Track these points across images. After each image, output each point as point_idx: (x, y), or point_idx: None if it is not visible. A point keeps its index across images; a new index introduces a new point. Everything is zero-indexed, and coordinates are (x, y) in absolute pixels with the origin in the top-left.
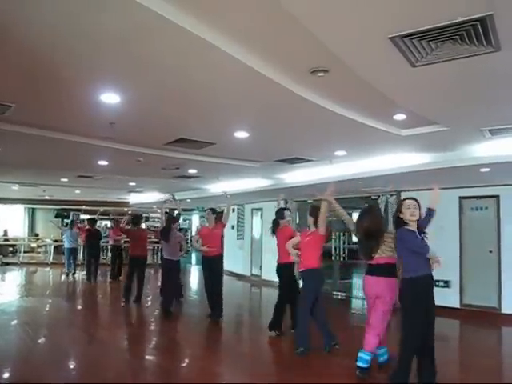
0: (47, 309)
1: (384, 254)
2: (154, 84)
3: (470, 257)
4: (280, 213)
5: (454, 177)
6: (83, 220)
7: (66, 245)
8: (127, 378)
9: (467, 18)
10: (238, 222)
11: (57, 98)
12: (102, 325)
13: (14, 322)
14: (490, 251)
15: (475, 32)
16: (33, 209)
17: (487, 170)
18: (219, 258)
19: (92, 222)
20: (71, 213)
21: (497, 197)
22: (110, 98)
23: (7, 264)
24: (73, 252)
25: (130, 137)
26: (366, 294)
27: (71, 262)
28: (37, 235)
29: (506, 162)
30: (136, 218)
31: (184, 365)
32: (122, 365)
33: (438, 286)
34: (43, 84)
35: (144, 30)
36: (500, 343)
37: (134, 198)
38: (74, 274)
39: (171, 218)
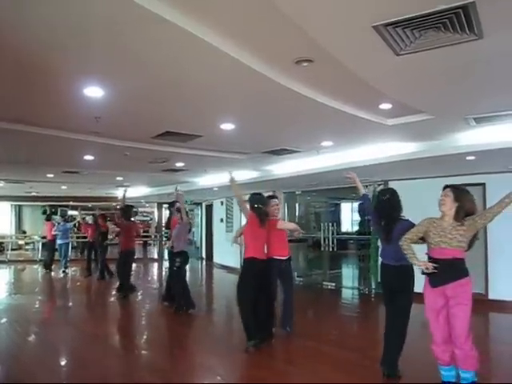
0: (36, 306)
1: None
2: (138, 77)
3: None
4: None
5: (439, 165)
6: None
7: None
8: (118, 374)
9: (450, 6)
10: (226, 214)
11: (40, 92)
12: (91, 320)
13: (3, 320)
14: (477, 238)
15: (458, 20)
16: (19, 206)
17: (473, 158)
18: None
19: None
20: (59, 209)
21: (483, 185)
22: (94, 91)
23: None
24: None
25: (115, 131)
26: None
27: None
28: (24, 232)
29: (491, 149)
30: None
31: (176, 358)
32: (112, 361)
33: (425, 273)
34: (26, 78)
35: (129, 23)
36: (487, 329)
37: (122, 193)
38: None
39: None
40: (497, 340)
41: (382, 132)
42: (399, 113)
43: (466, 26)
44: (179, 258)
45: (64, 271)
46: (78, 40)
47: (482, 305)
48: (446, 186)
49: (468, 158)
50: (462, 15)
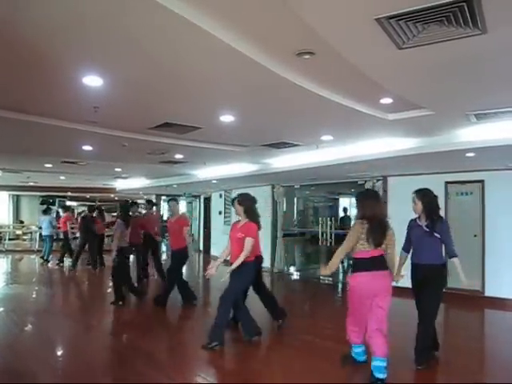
0: (33, 296)
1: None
2: (138, 67)
3: (455, 241)
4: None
5: (439, 162)
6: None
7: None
8: (114, 363)
9: None
10: (224, 207)
11: (39, 80)
12: (88, 311)
13: (0, 309)
14: (475, 235)
15: (462, 14)
16: (17, 195)
17: (472, 154)
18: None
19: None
20: (57, 199)
21: (482, 182)
22: (93, 80)
23: None
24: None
25: (114, 121)
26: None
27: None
28: (22, 222)
29: (490, 146)
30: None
31: (170, 349)
32: (108, 350)
33: None
34: (24, 66)
35: (129, 12)
36: (483, 325)
37: (121, 184)
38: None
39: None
40: (493, 337)
41: (382, 127)
42: (400, 108)
43: (469, 20)
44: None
45: (46, 260)
46: (78, 28)
47: (479, 302)
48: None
49: (468, 154)
50: (466, 9)
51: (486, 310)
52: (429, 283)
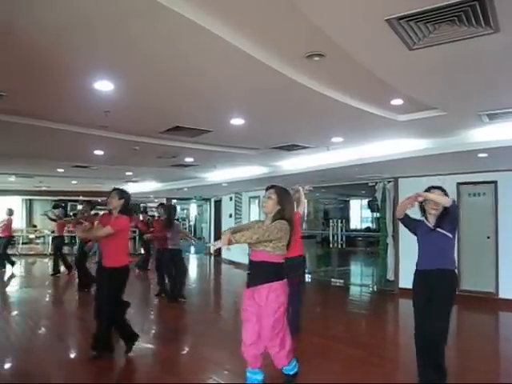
0: (47, 299)
1: None
2: (148, 71)
3: (467, 243)
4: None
5: (451, 162)
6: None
7: None
8: (126, 366)
9: None
10: (235, 210)
11: (50, 86)
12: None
13: (14, 313)
14: (488, 237)
15: (473, 13)
16: (30, 200)
17: (485, 155)
18: None
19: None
20: (69, 203)
21: (494, 182)
22: (104, 85)
23: None
24: None
25: (125, 125)
26: None
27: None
28: (35, 226)
29: (503, 147)
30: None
31: (184, 353)
32: (121, 353)
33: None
34: (36, 72)
35: (137, 16)
36: (497, 327)
37: (131, 188)
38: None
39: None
40: (507, 339)
41: (392, 128)
42: (410, 109)
43: (481, 19)
44: None
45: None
46: (88, 34)
47: (493, 304)
48: (271, 187)
49: (480, 155)
50: (478, 8)
51: (501, 312)
52: (435, 294)
